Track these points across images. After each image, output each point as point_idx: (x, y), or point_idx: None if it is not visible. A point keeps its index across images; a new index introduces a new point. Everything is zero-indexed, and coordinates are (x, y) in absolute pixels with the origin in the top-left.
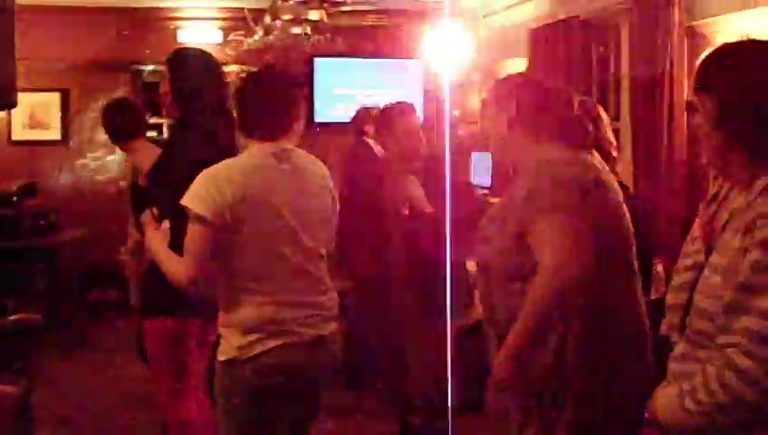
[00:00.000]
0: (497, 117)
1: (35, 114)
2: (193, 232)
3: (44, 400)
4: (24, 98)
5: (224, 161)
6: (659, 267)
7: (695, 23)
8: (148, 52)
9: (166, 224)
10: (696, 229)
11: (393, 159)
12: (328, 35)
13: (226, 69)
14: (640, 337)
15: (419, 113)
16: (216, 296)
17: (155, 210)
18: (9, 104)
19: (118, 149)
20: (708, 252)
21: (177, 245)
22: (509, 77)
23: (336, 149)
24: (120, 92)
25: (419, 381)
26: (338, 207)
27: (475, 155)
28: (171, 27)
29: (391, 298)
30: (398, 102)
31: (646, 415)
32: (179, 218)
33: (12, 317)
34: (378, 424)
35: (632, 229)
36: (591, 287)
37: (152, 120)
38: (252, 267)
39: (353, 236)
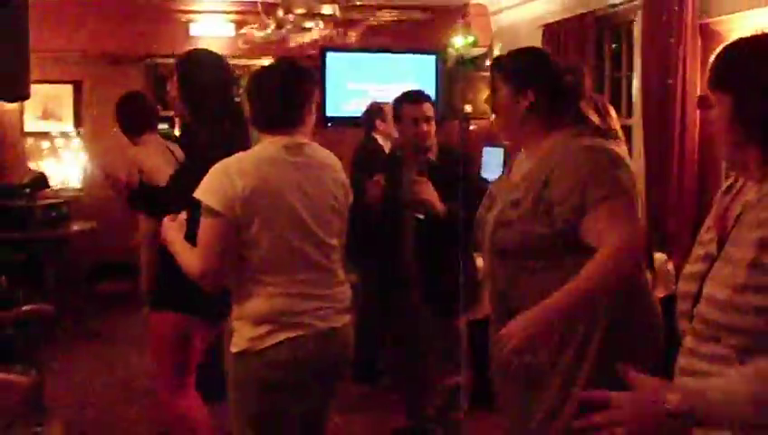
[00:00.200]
0: (512, 101)
1: (48, 106)
2: (205, 225)
3: (53, 390)
4: (36, 89)
5: (236, 154)
6: (670, 265)
7: (708, 20)
8: (160, 44)
9: (183, 215)
10: (710, 219)
11: (404, 151)
12: (340, 29)
13: (239, 62)
14: (656, 325)
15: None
16: (229, 289)
17: (183, 215)
18: (22, 96)
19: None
20: (720, 243)
21: (193, 237)
22: (523, 55)
23: (348, 144)
24: (132, 85)
25: (429, 376)
26: (351, 199)
27: (486, 150)
28: (184, 20)
29: (400, 293)
30: (409, 91)
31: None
32: (196, 212)
33: (23, 308)
34: (387, 419)
35: None
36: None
37: (163, 113)
38: (264, 259)
39: (361, 231)
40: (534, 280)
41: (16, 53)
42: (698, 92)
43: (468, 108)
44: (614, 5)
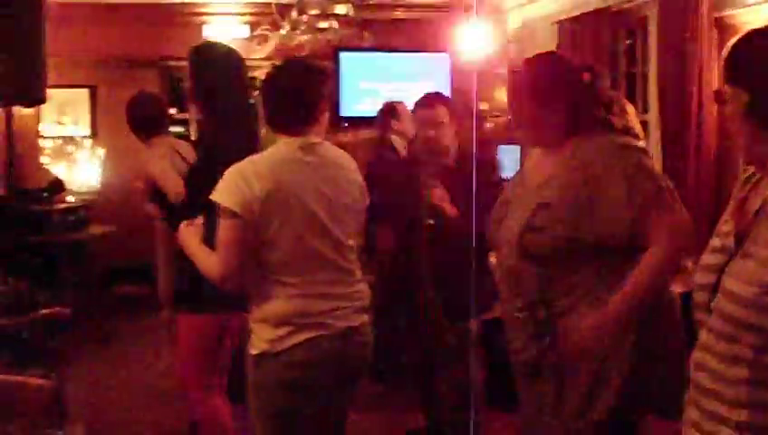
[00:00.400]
0: (540, 113)
1: (64, 110)
2: (224, 227)
3: (72, 393)
4: (52, 94)
5: (252, 156)
6: (688, 261)
7: (724, 13)
8: (174, 47)
9: (199, 219)
10: (728, 211)
11: (419, 156)
12: (354, 29)
13: (253, 64)
14: (677, 321)
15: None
16: (247, 291)
17: (199, 220)
18: (39, 100)
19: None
20: (737, 236)
21: (210, 241)
22: (542, 61)
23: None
24: (147, 88)
25: (446, 376)
26: (366, 200)
27: (501, 148)
28: (198, 22)
29: (416, 294)
30: (426, 94)
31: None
32: (213, 216)
33: (43, 311)
34: (403, 418)
35: None
36: None
37: (178, 116)
38: (282, 260)
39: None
40: (570, 282)
41: (33, 58)
42: (715, 87)
43: (484, 106)
44: (629, 0)
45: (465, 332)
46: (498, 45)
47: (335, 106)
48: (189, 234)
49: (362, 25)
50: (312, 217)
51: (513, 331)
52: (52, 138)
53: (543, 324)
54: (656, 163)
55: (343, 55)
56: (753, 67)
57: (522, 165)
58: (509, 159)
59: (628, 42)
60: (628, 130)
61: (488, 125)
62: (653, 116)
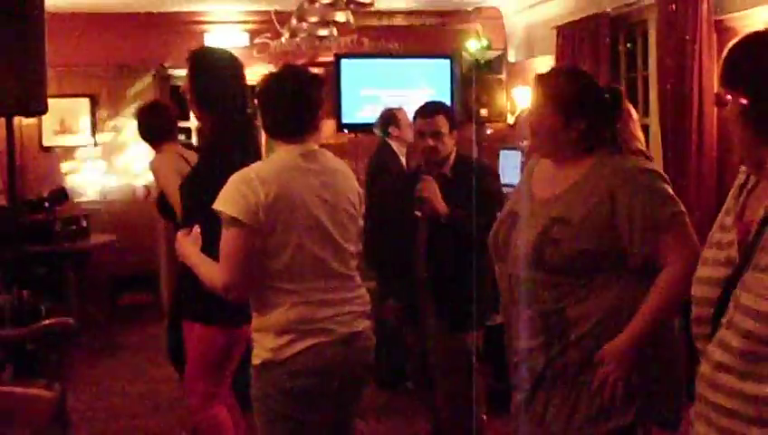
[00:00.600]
0: (560, 128)
1: (65, 120)
2: (228, 235)
3: (75, 402)
4: (53, 104)
5: (254, 164)
6: None
7: (724, 16)
8: (175, 55)
9: (196, 229)
10: (725, 218)
11: (419, 164)
12: (354, 36)
13: (253, 71)
14: (673, 327)
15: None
16: (249, 300)
17: (196, 228)
18: (40, 111)
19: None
20: (742, 247)
21: (207, 250)
22: (569, 75)
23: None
24: (147, 96)
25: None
26: (364, 207)
27: (502, 153)
28: (198, 31)
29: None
30: (425, 103)
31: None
32: (209, 224)
33: (45, 322)
34: (409, 424)
35: None
36: None
37: (181, 124)
38: (285, 268)
39: (377, 237)
40: (582, 292)
41: (34, 69)
42: (715, 90)
43: (484, 112)
44: (628, 5)
45: (465, 341)
46: (497, 51)
47: (337, 113)
48: (188, 243)
49: (361, 32)
50: (314, 224)
51: (518, 339)
52: (54, 147)
53: (554, 333)
54: (656, 166)
55: (344, 62)
56: (751, 71)
57: (525, 175)
58: (509, 163)
59: (627, 45)
60: (642, 153)
61: (489, 131)
62: (653, 120)
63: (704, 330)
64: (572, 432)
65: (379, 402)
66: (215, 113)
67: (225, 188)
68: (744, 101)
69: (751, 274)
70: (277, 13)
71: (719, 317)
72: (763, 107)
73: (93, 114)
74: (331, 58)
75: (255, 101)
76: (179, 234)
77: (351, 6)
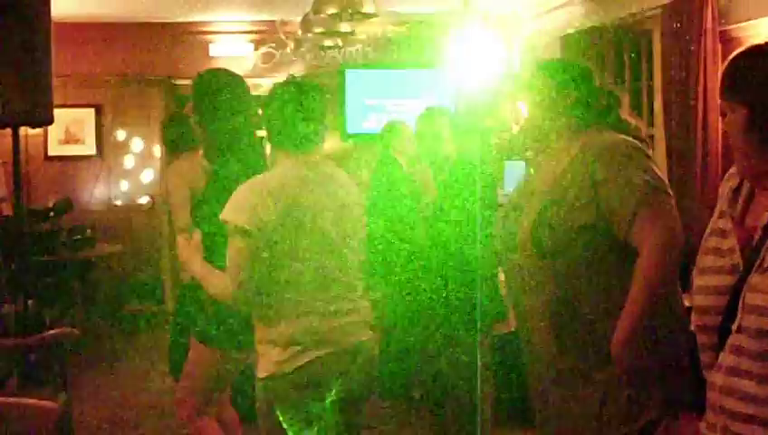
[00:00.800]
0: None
1: (70, 130)
2: (235, 246)
3: (81, 412)
4: (59, 114)
5: (259, 175)
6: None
7: (728, 27)
8: (180, 66)
9: (197, 236)
10: (719, 221)
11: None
12: (359, 46)
13: (258, 82)
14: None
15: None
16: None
17: (197, 236)
18: (46, 121)
19: (151, 165)
20: (745, 253)
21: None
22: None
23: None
24: (153, 107)
25: (455, 391)
26: (366, 219)
27: (507, 163)
28: (204, 41)
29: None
30: (427, 107)
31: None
32: (213, 235)
33: (50, 332)
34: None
35: None
36: None
37: None
38: (291, 279)
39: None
40: (585, 282)
41: (40, 80)
42: (719, 100)
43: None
44: (633, 15)
45: (476, 348)
46: (503, 60)
47: (342, 123)
48: (191, 251)
49: (366, 42)
50: (321, 235)
51: (530, 333)
52: (59, 157)
53: (562, 324)
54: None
55: (349, 72)
56: (752, 83)
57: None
58: (514, 174)
59: (632, 55)
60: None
61: (495, 141)
62: (658, 129)
63: (710, 339)
64: (601, 430)
65: (384, 412)
66: (219, 135)
67: (231, 198)
68: (746, 113)
69: (757, 275)
70: (282, 23)
71: (727, 325)
72: (763, 118)
73: (98, 124)
74: (336, 68)
75: (260, 111)
76: (180, 241)
77: (356, 17)
